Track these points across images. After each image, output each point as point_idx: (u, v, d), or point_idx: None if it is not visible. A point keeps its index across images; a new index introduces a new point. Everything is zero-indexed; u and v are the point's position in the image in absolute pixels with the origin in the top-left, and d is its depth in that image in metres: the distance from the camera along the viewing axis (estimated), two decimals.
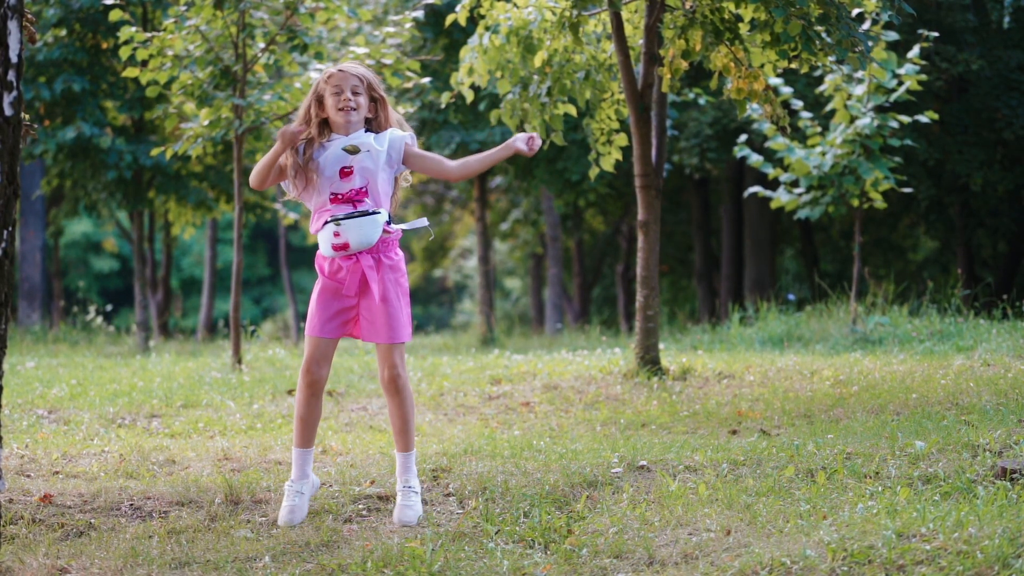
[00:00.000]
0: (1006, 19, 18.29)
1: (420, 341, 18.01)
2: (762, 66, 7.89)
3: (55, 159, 15.68)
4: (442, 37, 17.30)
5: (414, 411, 4.86)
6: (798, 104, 11.86)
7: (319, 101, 4.85)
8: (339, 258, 4.74)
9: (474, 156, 4.93)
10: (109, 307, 22.71)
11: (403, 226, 4.92)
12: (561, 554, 4.20)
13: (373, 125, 4.92)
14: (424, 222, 4.99)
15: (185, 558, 4.26)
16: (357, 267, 4.74)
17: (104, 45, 15.46)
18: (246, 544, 4.42)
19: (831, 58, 7.71)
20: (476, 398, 8.10)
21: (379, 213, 4.75)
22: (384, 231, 4.78)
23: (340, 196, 4.78)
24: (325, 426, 6.99)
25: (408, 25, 10.31)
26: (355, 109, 4.81)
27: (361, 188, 4.78)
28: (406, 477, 4.82)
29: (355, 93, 4.83)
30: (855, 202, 11.56)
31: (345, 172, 4.79)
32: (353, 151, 4.81)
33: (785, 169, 12.06)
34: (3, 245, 3.98)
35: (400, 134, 4.90)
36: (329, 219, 4.73)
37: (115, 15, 9.81)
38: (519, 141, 4.79)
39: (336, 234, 4.71)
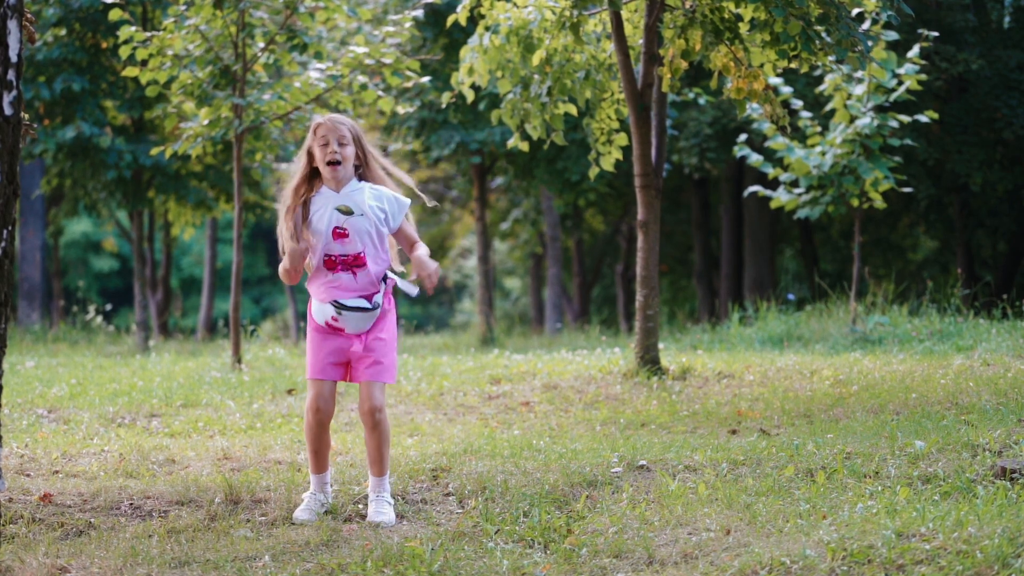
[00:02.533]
0: (1006, 19, 18.31)
1: (420, 341, 18.01)
2: (762, 66, 7.89)
3: (55, 159, 15.68)
4: (442, 37, 17.31)
5: (389, 443, 4.87)
6: (798, 104, 11.86)
7: (310, 154, 4.80)
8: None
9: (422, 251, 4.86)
10: (109, 307, 22.71)
11: (397, 283, 4.90)
12: (561, 554, 4.20)
13: (364, 173, 4.86)
14: (415, 290, 4.96)
15: (185, 557, 4.25)
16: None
17: (104, 45, 15.47)
18: (246, 543, 4.42)
19: (831, 58, 7.71)
20: (476, 398, 8.10)
21: (379, 308, 4.75)
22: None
23: (336, 260, 4.75)
24: None
25: (408, 24, 10.32)
26: (340, 163, 4.76)
27: (359, 254, 4.75)
28: (379, 491, 4.85)
29: (341, 144, 4.78)
30: (855, 202, 11.56)
31: (339, 233, 4.74)
32: (347, 212, 4.76)
33: (785, 169, 12.06)
34: (3, 244, 3.98)
35: (404, 201, 4.86)
36: (333, 302, 4.72)
37: (115, 14, 9.81)
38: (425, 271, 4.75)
39: (335, 319, 4.73)
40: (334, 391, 4.86)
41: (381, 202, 4.82)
